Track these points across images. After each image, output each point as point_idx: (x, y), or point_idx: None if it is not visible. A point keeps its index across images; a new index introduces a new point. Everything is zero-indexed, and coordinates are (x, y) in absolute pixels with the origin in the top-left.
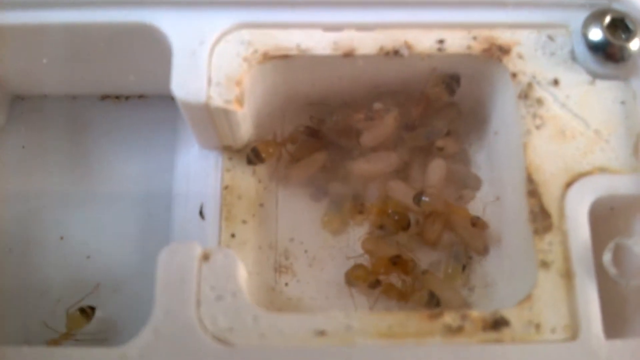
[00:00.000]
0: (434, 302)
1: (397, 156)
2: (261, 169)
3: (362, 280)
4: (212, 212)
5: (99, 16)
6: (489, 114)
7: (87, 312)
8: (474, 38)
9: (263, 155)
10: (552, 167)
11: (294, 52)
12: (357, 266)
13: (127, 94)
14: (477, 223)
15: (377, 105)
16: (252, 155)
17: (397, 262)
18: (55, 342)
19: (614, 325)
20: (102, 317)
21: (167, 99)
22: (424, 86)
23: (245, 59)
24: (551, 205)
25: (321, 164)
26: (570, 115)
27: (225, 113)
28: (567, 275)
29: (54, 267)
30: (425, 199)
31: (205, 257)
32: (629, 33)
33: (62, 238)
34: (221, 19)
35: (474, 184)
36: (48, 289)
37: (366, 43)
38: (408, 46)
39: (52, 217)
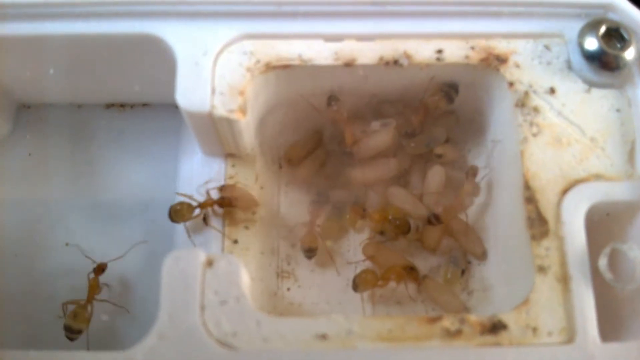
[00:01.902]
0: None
1: (397, 163)
2: (263, 175)
3: (371, 285)
4: (215, 218)
5: (105, 27)
6: (487, 122)
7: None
8: (472, 48)
9: (178, 220)
10: (549, 174)
11: (295, 62)
12: (366, 271)
13: (132, 103)
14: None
15: (375, 125)
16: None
17: (411, 273)
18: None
19: (609, 329)
20: (107, 321)
21: (171, 107)
22: (423, 95)
23: (248, 69)
24: (548, 212)
25: (322, 161)
26: (567, 123)
27: (229, 122)
28: (564, 279)
29: (59, 272)
30: (438, 214)
31: (209, 263)
32: (623, 42)
33: (67, 244)
34: (224, 30)
35: (473, 190)
36: (53, 294)
37: (366, 53)
38: (407, 56)
39: (57, 224)
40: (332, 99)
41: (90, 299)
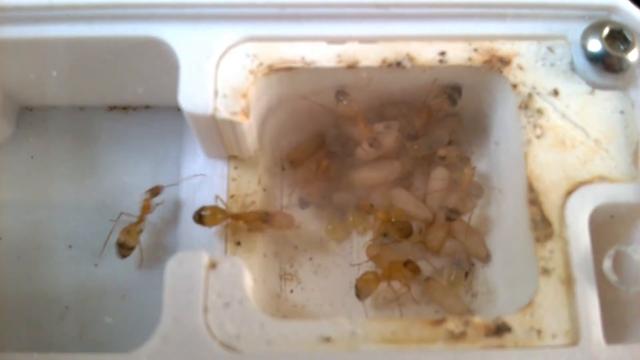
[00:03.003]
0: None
1: (400, 165)
2: (266, 177)
3: (373, 284)
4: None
5: (108, 30)
6: (490, 124)
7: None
8: (475, 50)
9: (207, 222)
10: (553, 176)
11: (298, 64)
12: (366, 273)
13: (135, 105)
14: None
15: (378, 127)
16: (197, 217)
17: (411, 267)
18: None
19: (614, 331)
20: (110, 323)
21: (174, 110)
22: (426, 97)
23: (251, 72)
24: (552, 214)
25: (325, 164)
26: (570, 125)
27: (232, 124)
28: (568, 281)
29: (62, 274)
30: (455, 207)
31: (212, 265)
32: (627, 44)
33: (70, 247)
34: (227, 33)
35: (476, 192)
36: (56, 296)
37: (369, 55)
38: (410, 58)
39: (60, 226)
40: (340, 94)
41: (141, 218)
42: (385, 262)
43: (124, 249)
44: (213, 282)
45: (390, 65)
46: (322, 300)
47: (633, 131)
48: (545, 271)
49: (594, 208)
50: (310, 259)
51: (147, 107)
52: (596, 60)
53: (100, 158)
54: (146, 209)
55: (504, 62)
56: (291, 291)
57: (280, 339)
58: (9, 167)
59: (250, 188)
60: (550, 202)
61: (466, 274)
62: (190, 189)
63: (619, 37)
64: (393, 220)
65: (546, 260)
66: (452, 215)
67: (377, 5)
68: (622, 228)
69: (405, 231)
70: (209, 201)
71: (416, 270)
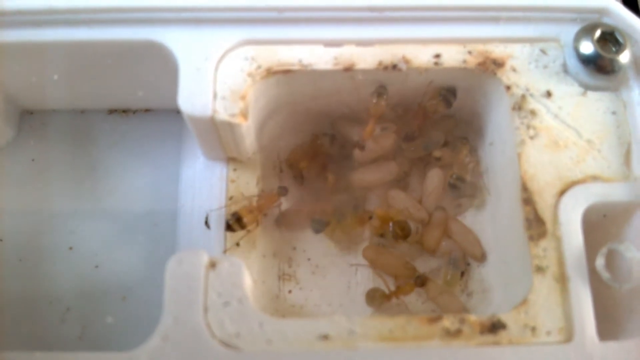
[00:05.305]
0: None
1: (397, 166)
2: (265, 179)
3: (383, 300)
4: (217, 222)
5: (108, 34)
6: (485, 125)
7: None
8: (469, 52)
9: (245, 220)
10: (546, 176)
11: (296, 67)
12: (372, 290)
13: (134, 108)
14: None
15: (375, 129)
16: (233, 220)
17: (424, 281)
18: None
19: (607, 328)
20: (111, 324)
21: (173, 113)
22: (422, 99)
23: (250, 74)
24: (545, 213)
25: (324, 164)
26: (563, 125)
27: (230, 126)
28: (562, 279)
29: (63, 276)
30: (461, 176)
31: (212, 264)
32: (618, 46)
33: (71, 248)
34: (226, 36)
35: (471, 192)
36: (57, 297)
37: (365, 58)
38: (406, 61)
39: (61, 228)
40: (381, 89)
41: (261, 207)
42: (383, 266)
43: (235, 224)
44: (213, 282)
45: (386, 67)
46: (321, 300)
47: (625, 131)
48: (539, 269)
49: (587, 207)
50: (309, 259)
51: (146, 110)
52: (588, 62)
53: (101, 161)
54: (269, 200)
55: (498, 64)
56: (289, 291)
57: (279, 337)
58: (10, 170)
59: (249, 189)
60: (544, 202)
61: (462, 274)
62: (189, 191)
63: (610, 39)
64: (391, 220)
65: (540, 258)
66: (458, 182)
67: (373, 9)
68: (614, 227)
69: (405, 231)
70: (208, 203)
71: (425, 282)
